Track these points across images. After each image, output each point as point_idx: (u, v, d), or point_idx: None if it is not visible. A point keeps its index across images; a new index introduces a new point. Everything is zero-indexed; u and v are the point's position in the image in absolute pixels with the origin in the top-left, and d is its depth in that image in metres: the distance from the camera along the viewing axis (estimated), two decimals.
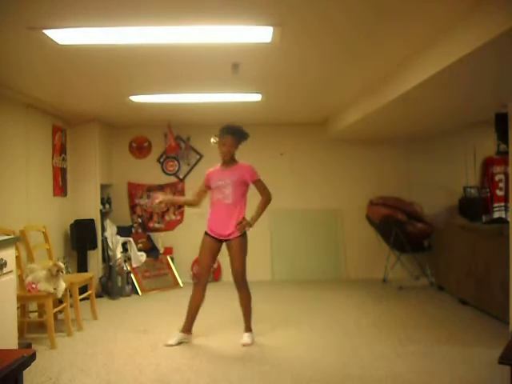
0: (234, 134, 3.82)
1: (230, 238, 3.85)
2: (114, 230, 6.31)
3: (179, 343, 3.88)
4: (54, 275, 3.88)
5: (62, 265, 3.98)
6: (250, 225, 3.83)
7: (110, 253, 6.09)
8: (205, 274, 4.01)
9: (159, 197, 4.09)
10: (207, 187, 3.98)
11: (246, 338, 3.90)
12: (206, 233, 3.97)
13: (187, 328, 3.95)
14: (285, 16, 2.74)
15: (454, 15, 2.72)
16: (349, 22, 2.86)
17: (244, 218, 3.83)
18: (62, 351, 3.73)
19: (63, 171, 5.75)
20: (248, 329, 3.97)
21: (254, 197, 3.97)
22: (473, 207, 5.85)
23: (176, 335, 3.92)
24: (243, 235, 3.86)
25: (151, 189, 6.80)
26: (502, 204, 6.04)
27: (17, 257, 3.52)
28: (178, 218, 6.81)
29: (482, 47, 2.55)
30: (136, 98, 4.91)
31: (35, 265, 4.05)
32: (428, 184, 6.49)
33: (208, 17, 2.75)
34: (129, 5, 2.55)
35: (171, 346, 3.83)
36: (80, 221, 5.78)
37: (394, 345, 3.81)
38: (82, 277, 4.71)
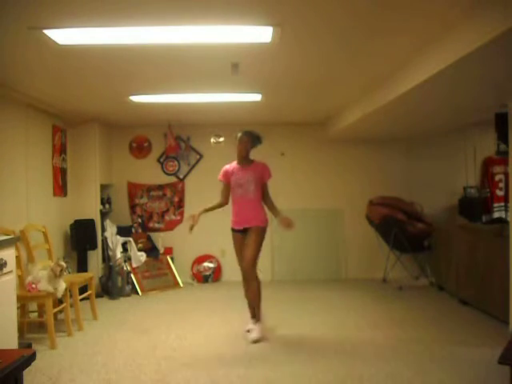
0: (249, 135, 4.18)
1: (253, 225, 4.05)
2: (114, 230, 6.31)
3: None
4: (57, 275, 3.89)
5: (64, 264, 3.98)
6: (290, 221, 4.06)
7: (110, 253, 6.09)
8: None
9: (195, 217, 4.06)
10: (228, 182, 4.19)
11: (254, 333, 3.97)
12: (233, 230, 4.17)
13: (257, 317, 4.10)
14: (285, 16, 2.74)
15: (456, 14, 2.71)
16: (349, 22, 2.86)
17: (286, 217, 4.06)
18: (62, 351, 3.73)
19: (63, 171, 5.75)
20: (257, 318, 4.07)
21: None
22: (473, 207, 5.84)
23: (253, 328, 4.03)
24: (264, 228, 4.10)
25: (151, 189, 6.81)
26: (502, 204, 6.03)
27: (17, 257, 3.52)
28: (178, 218, 6.81)
29: (483, 46, 2.55)
30: (136, 98, 4.91)
31: (35, 265, 4.05)
32: (428, 184, 6.49)
33: (208, 17, 2.75)
34: (128, 5, 2.55)
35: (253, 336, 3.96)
36: (80, 221, 5.78)
37: (394, 345, 3.81)
38: (81, 277, 4.71)
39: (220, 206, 4.25)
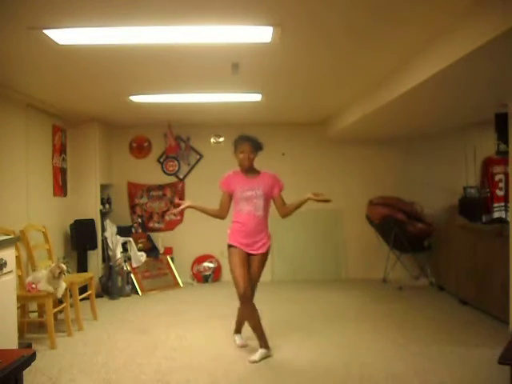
0: (250, 142, 3.64)
1: (259, 252, 3.62)
2: (114, 230, 6.31)
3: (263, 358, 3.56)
4: (56, 277, 3.89)
5: (64, 266, 3.98)
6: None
7: (110, 253, 6.09)
8: (248, 287, 3.52)
9: (185, 203, 3.75)
10: (230, 192, 3.68)
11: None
12: (232, 246, 3.63)
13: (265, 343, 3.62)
14: (285, 16, 2.74)
15: (451, 18, 2.72)
16: (348, 22, 2.86)
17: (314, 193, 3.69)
18: (62, 351, 3.74)
19: (63, 171, 5.75)
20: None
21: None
22: (473, 207, 5.84)
23: (259, 352, 3.57)
24: (268, 252, 3.70)
25: (151, 189, 6.81)
26: (502, 204, 6.03)
27: (17, 257, 3.52)
28: (178, 218, 6.80)
29: (480, 48, 2.56)
30: (136, 98, 4.91)
31: (39, 271, 4.04)
32: (428, 184, 6.49)
33: (208, 17, 2.75)
34: (129, 5, 2.55)
35: (255, 362, 3.51)
36: (80, 221, 5.78)
37: (394, 345, 3.81)
38: (82, 277, 4.71)
39: (217, 216, 3.73)
